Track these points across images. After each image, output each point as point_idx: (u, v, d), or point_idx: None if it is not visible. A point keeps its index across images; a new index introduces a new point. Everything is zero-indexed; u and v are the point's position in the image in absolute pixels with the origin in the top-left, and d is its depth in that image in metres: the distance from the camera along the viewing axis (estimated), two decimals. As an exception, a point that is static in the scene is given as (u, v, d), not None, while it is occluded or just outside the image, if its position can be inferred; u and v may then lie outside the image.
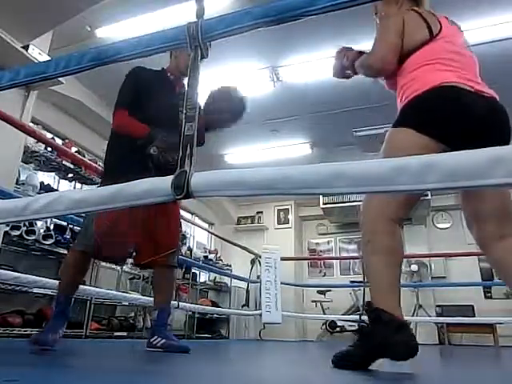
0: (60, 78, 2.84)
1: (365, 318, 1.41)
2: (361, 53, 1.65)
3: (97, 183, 4.35)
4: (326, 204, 6.92)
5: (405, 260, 7.05)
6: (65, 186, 4.42)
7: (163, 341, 1.91)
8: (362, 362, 1.25)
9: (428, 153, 1.28)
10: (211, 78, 4.21)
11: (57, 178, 4.31)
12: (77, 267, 1.90)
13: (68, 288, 1.88)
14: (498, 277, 1.41)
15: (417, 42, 1.48)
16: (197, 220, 7.29)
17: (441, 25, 1.51)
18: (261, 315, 5.28)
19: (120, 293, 3.78)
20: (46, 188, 3.69)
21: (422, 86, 1.41)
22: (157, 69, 2.13)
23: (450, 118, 1.35)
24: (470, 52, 1.53)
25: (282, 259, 5.70)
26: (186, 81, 2.23)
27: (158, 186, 0.92)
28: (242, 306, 6.41)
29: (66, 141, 4.39)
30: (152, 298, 2.54)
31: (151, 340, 1.96)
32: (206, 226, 7.52)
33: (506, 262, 1.29)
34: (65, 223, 3.66)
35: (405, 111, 1.45)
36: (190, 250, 6.04)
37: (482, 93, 1.37)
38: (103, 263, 3.98)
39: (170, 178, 0.90)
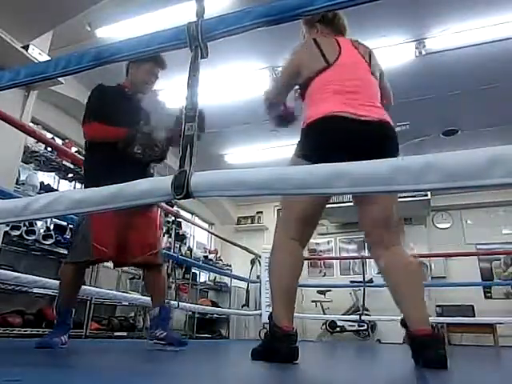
0: (60, 78, 2.84)
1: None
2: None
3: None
4: (325, 204, 6.91)
5: (405, 260, 7.05)
6: (65, 186, 4.42)
7: (165, 333, 2.07)
8: (266, 357, 1.46)
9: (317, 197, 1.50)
10: (211, 78, 4.21)
11: (57, 178, 4.31)
12: (74, 280, 2.03)
13: (68, 301, 2.04)
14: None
15: (314, 71, 1.59)
16: (197, 220, 7.29)
17: (340, 51, 1.62)
18: (261, 315, 5.28)
19: (120, 293, 3.78)
20: (45, 188, 3.69)
21: (309, 117, 1.54)
22: (113, 85, 2.25)
23: (328, 148, 1.43)
24: (369, 75, 1.63)
25: (282, 259, 5.69)
26: (140, 96, 2.28)
27: (158, 185, 0.92)
28: (242, 306, 6.41)
29: (66, 141, 4.39)
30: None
31: (155, 331, 2.10)
32: (206, 226, 7.52)
33: (387, 272, 1.44)
34: (65, 223, 3.66)
35: (299, 140, 1.59)
36: (190, 249, 6.04)
37: (364, 117, 1.45)
38: (104, 263, 4.04)
39: (170, 177, 0.90)
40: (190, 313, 5.36)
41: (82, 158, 2.35)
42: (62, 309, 2.02)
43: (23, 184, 3.39)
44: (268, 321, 1.53)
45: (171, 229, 5.06)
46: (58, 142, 4.16)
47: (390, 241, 1.46)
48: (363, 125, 1.45)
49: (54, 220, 3.66)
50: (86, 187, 2.02)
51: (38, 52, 3.05)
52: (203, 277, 6.66)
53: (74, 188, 4.39)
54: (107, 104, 2.08)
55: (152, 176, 2.14)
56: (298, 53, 1.71)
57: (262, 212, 8.05)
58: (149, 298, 2.31)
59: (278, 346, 1.40)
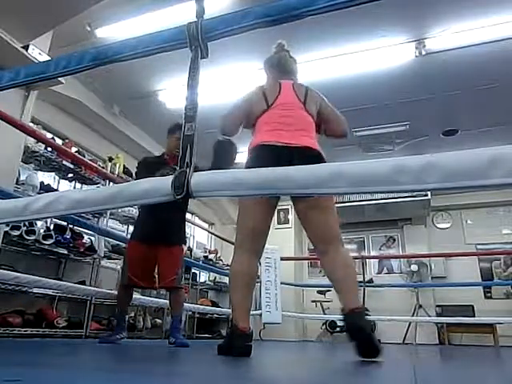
0: (60, 78, 2.84)
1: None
2: None
3: (97, 183, 4.35)
4: (325, 204, 6.90)
5: (405, 260, 7.07)
6: (65, 186, 4.41)
7: (174, 339, 2.81)
8: (227, 352, 1.74)
9: (263, 207, 1.89)
10: (211, 78, 4.21)
11: (57, 178, 4.30)
12: (124, 295, 2.95)
13: (122, 309, 2.97)
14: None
15: (258, 111, 2.01)
16: (197, 220, 7.29)
17: (279, 93, 2.01)
18: (261, 315, 5.28)
19: (120, 293, 3.78)
20: (45, 188, 3.68)
21: (250, 144, 1.95)
22: (158, 154, 3.14)
23: (261, 166, 1.67)
24: (301, 111, 1.98)
25: (282, 259, 5.70)
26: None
27: (158, 185, 0.92)
28: (242, 306, 6.39)
29: (66, 141, 4.38)
30: (153, 299, 4.07)
31: (169, 338, 2.90)
32: (206, 226, 7.52)
33: (329, 270, 1.77)
34: (65, 223, 3.66)
35: (246, 160, 1.92)
36: (189, 249, 6.03)
37: (290, 144, 1.82)
38: (103, 263, 4.27)
39: (170, 178, 0.90)
40: (190, 313, 5.36)
41: (81, 157, 2.49)
42: (120, 314, 2.96)
43: (23, 184, 3.39)
44: (229, 321, 1.88)
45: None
46: (58, 142, 4.16)
47: (332, 249, 1.77)
48: (288, 149, 1.80)
49: (54, 220, 3.65)
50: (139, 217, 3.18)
51: (38, 52, 3.05)
52: (203, 277, 6.66)
53: (74, 188, 4.39)
54: (142, 170, 2.90)
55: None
56: (252, 94, 2.09)
57: (261, 212, 8.04)
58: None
59: (236, 343, 1.70)
